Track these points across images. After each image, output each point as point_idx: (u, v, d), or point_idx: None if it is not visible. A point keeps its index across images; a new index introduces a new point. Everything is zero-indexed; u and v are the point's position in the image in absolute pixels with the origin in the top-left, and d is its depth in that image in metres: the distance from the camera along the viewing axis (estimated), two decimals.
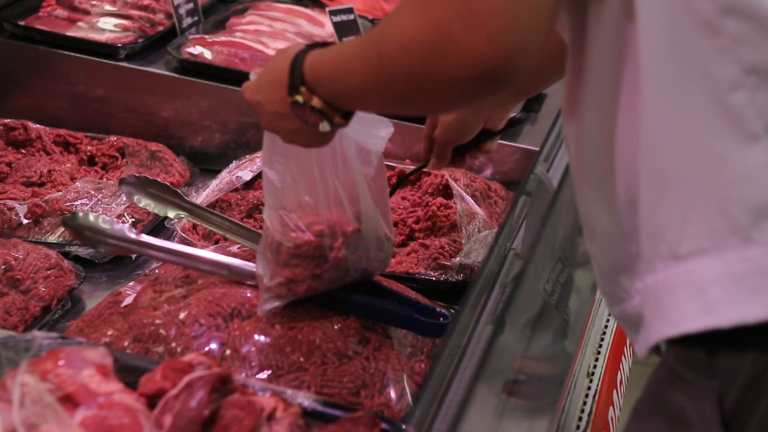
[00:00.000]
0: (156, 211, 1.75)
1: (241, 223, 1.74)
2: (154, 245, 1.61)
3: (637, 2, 1.09)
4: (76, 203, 1.95)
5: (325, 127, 1.30)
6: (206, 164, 2.25)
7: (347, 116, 1.31)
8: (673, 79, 1.09)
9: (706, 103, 1.07)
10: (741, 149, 1.07)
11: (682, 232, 1.10)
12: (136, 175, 1.74)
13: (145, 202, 1.73)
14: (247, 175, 2.06)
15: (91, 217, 1.60)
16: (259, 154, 2.10)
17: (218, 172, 2.12)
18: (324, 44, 1.31)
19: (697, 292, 1.09)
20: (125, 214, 1.94)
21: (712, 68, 1.07)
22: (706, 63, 1.07)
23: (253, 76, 1.42)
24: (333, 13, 2.43)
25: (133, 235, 1.59)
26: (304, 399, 1.31)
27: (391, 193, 1.95)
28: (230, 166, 2.11)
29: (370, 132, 1.52)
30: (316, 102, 1.27)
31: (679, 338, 1.11)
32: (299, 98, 1.28)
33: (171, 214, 1.74)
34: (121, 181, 1.73)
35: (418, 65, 1.10)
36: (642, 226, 1.16)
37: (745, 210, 1.07)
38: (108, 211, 1.93)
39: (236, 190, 2.04)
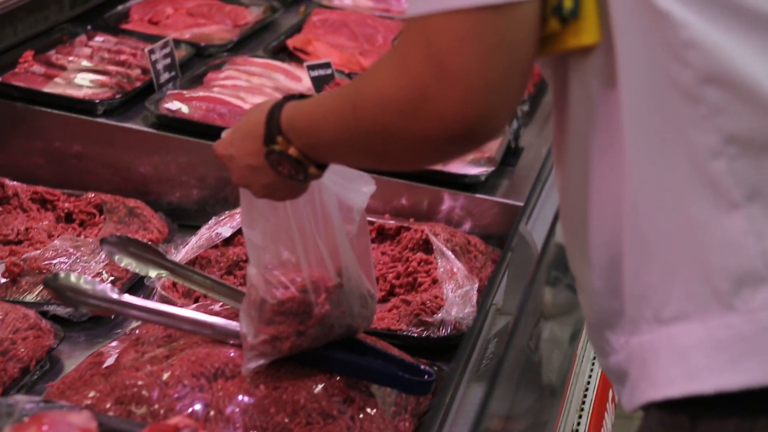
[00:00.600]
0: (137, 271, 1.74)
1: (222, 282, 1.74)
2: (137, 305, 1.60)
3: (618, 68, 1.10)
4: (54, 262, 1.94)
5: (299, 178, 1.30)
6: (185, 220, 2.24)
7: (321, 167, 1.32)
8: (654, 145, 1.10)
9: (687, 170, 1.09)
10: (721, 217, 1.08)
11: (666, 296, 1.12)
12: (117, 234, 1.73)
13: (126, 262, 1.72)
14: (226, 232, 2.05)
15: (73, 277, 1.59)
16: (238, 210, 2.10)
17: (197, 228, 2.11)
18: (301, 96, 1.32)
19: (680, 357, 1.10)
20: (104, 272, 1.92)
21: (693, 136, 1.08)
22: (686, 131, 1.08)
23: (224, 135, 1.42)
24: (310, 67, 2.45)
25: (115, 296, 1.58)
26: None
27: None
28: (209, 222, 2.10)
29: (352, 187, 1.52)
30: (292, 151, 1.28)
31: (662, 402, 1.12)
32: (276, 147, 1.28)
33: (152, 273, 1.73)
34: (102, 241, 1.72)
35: (392, 122, 1.11)
36: (626, 287, 1.17)
37: (726, 277, 1.08)
38: (87, 269, 1.92)
39: (216, 246, 2.03)
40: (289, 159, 1.29)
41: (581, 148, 1.18)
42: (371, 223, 2.10)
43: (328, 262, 1.50)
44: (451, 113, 1.07)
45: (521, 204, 2.03)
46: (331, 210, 1.50)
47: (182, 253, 2.00)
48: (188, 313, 1.61)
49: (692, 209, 1.09)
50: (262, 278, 1.49)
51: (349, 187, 1.52)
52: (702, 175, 1.08)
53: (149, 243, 1.77)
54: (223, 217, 2.11)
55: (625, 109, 1.11)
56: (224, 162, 1.40)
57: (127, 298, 1.60)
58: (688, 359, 1.10)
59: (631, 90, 1.10)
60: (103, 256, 1.92)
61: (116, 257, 1.72)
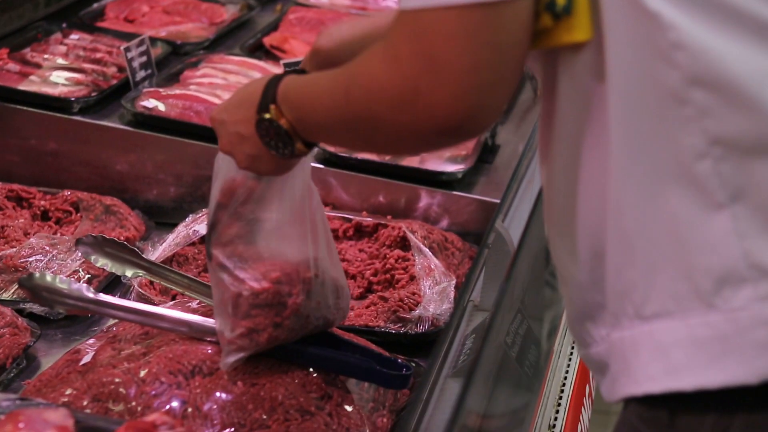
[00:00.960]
0: (113, 270, 1.73)
1: (199, 280, 1.73)
2: (113, 304, 1.59)
3: (607, 65, 1.10)
4: (30, 260, 1.93)
5: (286, 152, 1.31)
6: (162, 218, 2.23)
7: (309, 146, 1.32)
8: (640, 144, 1.11)
9: (673, 170, 1.10)
10: (705, 217, 1.09)
11: (647, 293, 1.13)
12: (93, 234, 1.72)
13: (102, 262, 1.72)
14: (203, 229, 2.04)
15: (48, 277, 1.58)
16: None
17: (174, 225, 2.10)
18: (301, 71, 1.32)
19: (661, 353, 1.11)
20: (80, 269, 1.91)
21: (679, 137, 1.09)
22: (672, 131, 1.09)
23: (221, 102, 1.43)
24: (287, 65, 2.44)
25: (91, 295, 1.58)
26: None
27: None
28: (187, 219, 2.10)
29: None
30: (283, 122, 1.28)
31: (642, 397, 1.13)
32: (267, 115, 1.29)
33: (129, 272, 1.73)
34: (78, 241, 1.72)
35: (383, 112, 1.12)
36: (608, 281, 1.18)
37: (708, 276, 1.09)
38: (63, 267, 1.91)
39: (193, 244, 2.03)
40: (278, 130, 1.29)
41: (568, 143, 1.18)
42: (349, 220, 2.10)
43: (309, 253, 1.50)
44: (442, 107, 1.08)
45: (498, 201, 2.04)
46: (314, 200, 1.50)
47: (159, 250, 1.99)
48: (165, 311, 1.61)
49: (676, 208, 1.10)
50: (235, 272, 1.49)
51: None
52: (687, 176, 1.09)
53: (125, 242, 1.77)
54: (200, 214, 2.11)
55: (612, 106, 1.11)
56: (214, 126, 1.41)
57: (103, 297, 1.60)
58: (668, 356, 1.10)
59: (619, 89, 1.10)
60: (79, 254, 1.91)
61: (92, 257, 1.72)
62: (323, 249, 1.52)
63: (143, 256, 1.77)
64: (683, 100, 1.08)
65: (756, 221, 1.08)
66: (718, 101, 1.07)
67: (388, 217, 2.15)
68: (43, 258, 1.94)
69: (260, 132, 1.31)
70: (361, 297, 1.95)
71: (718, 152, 1.08)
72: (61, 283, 1.58)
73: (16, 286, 1.87)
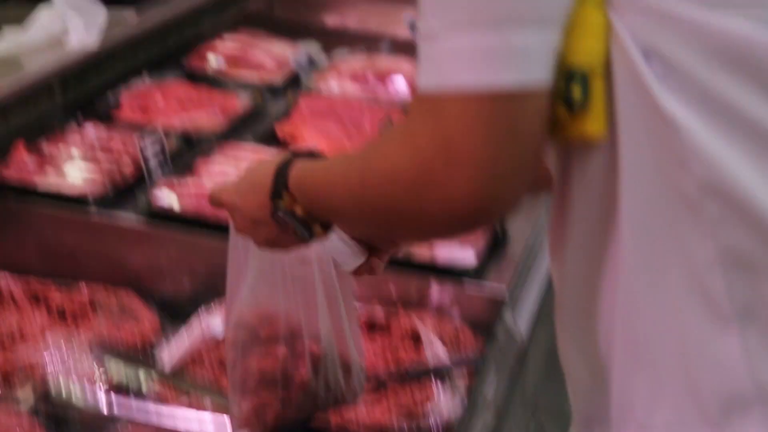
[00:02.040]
0: (126, 375, 1.75)
1: (211, 384, 1.75)
2: (128, 407, 1.61)
3: (620, 165, 1.08)
4: (46, 361, 1.94)
5: (305, 236, 1.31)
6: (177, 312, 2.25)
7: (327, 228, 1.32)
8: (651, 250, 1.09)
9: (683, 281, 1.07)
10: (714, 332, 1.07)
11: (652, 410, 1.10)
12: (106, 337, 1.74)
13: (115, 365, 1.73)
14: (217, 323, 2.06)
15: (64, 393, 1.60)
16: None
17: (189, 319, 2.12)
18: (309, 154, 1.32)
19: None
20: (96, 372, 1.92)
21: (691, 245, 1.07)
22: (684, 240, 1.07)
23: (224, 185, 1.44)
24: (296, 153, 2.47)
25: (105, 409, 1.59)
26: None
27: None
28: (200, 313, 2.12)
29: (344, 252, 1.52)
30: (298, 210, 1.28)
31: None
32: (282, 204, 1.29)
33: (142, 376, 1.75)
34: (92, 345, 1.73)
35: (398, 198, 1.10)
36: (613, 392, 1.15)
37: (715, 398, 1.07)
38: (78, 369, 1.92)
39: (207, 339, 2.05)
40: (294, 217, 1.29)
41: (580, 240, 1.16)
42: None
43: (317, 330, 1.51)
44: (457, 196, 1.05)
45: (506, 292, 2.04)
46: (327, 275, 1.51)
47: (173, 348, 2.00)
48: (180, 413, 1.62)
49: (684, 323, 1.08)
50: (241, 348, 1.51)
51: (341, 251, 1.52)
52: (697, 287, 1.07)
53: (137, 346, 1.78)
54: (214, 307, 2.12)
55: (624, 207, 1.09)
56: (228, 209, 1.41)
57: (117, 399, 1.61)
58: None
59: (632, 189, 1.08)
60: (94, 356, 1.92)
61: (105, 360, 1.73)
62: (343, 326, 1.53)
63: (156, 358, 1.78)
64: (697, 209, 1.06)
65: (765, 341, 1.06)
66: (730, 214, 1.05)
67: (399, 308, 2.16)
68: (58, 359, 1.95)
69: (277, 220, 1.31)
70: (373, 392, 1.95)
71: (729, 266, 1.06)
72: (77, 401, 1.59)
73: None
